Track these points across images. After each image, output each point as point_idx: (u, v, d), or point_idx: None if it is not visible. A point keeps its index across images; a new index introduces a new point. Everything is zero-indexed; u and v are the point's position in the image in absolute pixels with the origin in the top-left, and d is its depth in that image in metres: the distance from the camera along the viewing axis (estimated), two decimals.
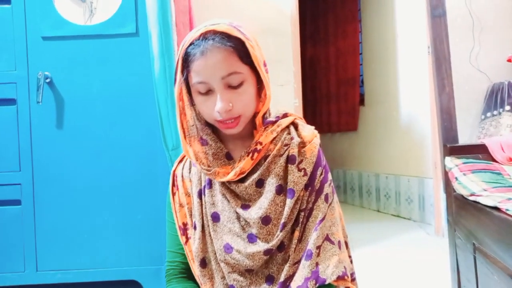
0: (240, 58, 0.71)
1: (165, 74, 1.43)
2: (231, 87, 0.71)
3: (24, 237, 1.52)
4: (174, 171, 0.85)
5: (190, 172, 0.82)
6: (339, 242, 0.77)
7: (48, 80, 1.51)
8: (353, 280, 0.79)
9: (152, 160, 1.51)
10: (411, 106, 2.94)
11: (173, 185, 0.84)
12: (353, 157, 3.71)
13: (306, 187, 0.76)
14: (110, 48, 1.52)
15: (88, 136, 1.52)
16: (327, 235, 0.75)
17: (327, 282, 0.71)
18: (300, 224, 0.75)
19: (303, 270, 0.73)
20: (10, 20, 1.51)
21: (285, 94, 2.31)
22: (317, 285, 0.71)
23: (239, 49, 0.72)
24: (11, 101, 1.52)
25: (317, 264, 0.73)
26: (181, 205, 0.82)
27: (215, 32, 0.71)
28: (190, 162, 0.83)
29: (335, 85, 3.81)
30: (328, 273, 0.72)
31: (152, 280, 1.52)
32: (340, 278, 0.73)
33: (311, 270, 0.72)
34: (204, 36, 0.71)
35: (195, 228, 0.79)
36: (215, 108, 0.71)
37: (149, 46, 1.46)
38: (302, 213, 0.75)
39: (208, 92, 0.72)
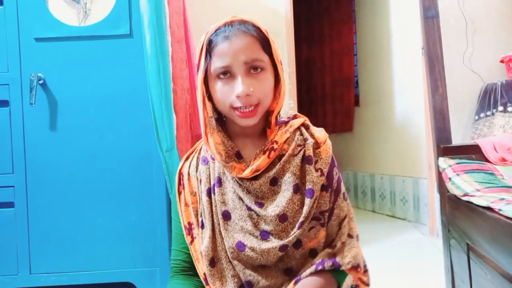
0: (262, 47, 0.74)
1: (159, 75, 1.43)
2: (252, 74, 0.73)
3: (18, 239, 1.50)
4: (181, 169, 0.85)
5: (197, 171, 0.82)
6: (357, 236, 0.82)
7: (41, 82, 1.50)
8: (365, 271, 0.82)
9: (146, 162, 1.51)
10: (406, 106, 2.95)
11: (179, 184, 0.84)
12: (349, 157, 3.72)
13: (325, 188, 0.78)
14: (103, 49, 1.51)
15: (82, 138, 1.51)
16: (348, 231, 0.80)
17: (341, 268, 0.76)
18: (325, 224, 0.78)
19: (323, 253, 0.77)
20: (3, 21, 1.50)
21: None
22: (333, 267, 0.75)
23: (262, 38, 0.74)
24: (3, 103, 1.51)
25: (335, 254, 0.77)
26: (186, 205, 0.82)
27: (240, 21, 0.74)
28: (197, 160, 0.83)
29: (330, 86, 3.82)
30: (345, 261, 0.76)
31: (146, 282, 1.51)
32: (354, 268, 0.77)
33: (329, 256, 0.76)
34: (230, 24, 0.74)
35: (202, 227, 0.79)
36: (235, 92, 0.72)
37: (143, 48, 1.45)
38: (327, 214, 0.78)
39: (229, 77, 0.73)
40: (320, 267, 0.75)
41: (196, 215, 0.81)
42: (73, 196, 1.51)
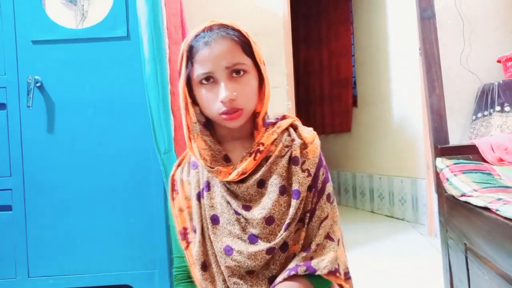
0: (243, 50, 0.73)
1: (156, 77, 1.43)
2: (234, 78, 0.72)
3: (16, 243, 1.50)
4: (173, 175, 0.84)
5: (189, 175, 0.82)
6: (338, 240, 0.79)
7: (38, 84, 1.50)
8: (348, 279, 0.80)
9: (144, 164, 1.51)
10: (404, 107, 2.96)
11: (173, 190, 0.83)
12: (347, 158, 3.72)
13: (309, 188, 0.77)
14: (101, 51, 1.51)
15: (80, 140, 1.51)
16: (328, 233, 0.77)
17: (317, 273, 0.72)
18: (305, 225, 0.76)
19: (297, 258, 0.74)
20: None
21: (278, 96, 2.31)
22: (307, 272, 0.72)
23: (243, 41, 0.74)
24: (1, 106, 1.51)
25: (311, 257, 0.74)
26: (180, 210, 0.82)
27: (219, 25, 0.74)
28: (188, 165, 0.83)
29: (328, 87, 3.82)
30: (321, 266, 0.73)
31: (145, 284, 1.51)
32: (332, 273, 0.73)
33: (304, 260, 0.73)
34: (209, 28, 0.73)
35: (195, 231, 0.79)
36: (219, 97, 0.71)
37: (140, 50, 1.45)
38: (308, 214, 0.76)
39: (212, 83, 0.73)
40: (293, 273, 0.71)
41: (191, 220, 0.80)
42: (71, 199, 1.50)
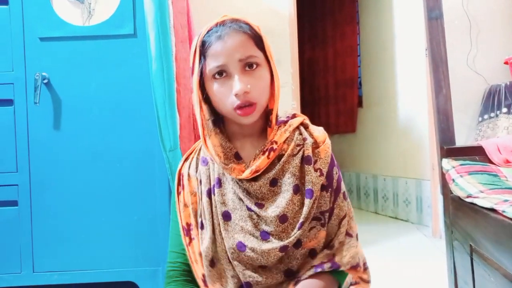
0: (256, 44, 0.74)
1: (163, 75, 1.43)
2: (247, 71, 0.72)
3: (21, 238, 1.51)
4: (180, 169, 0.84)
5: (197, 171, 0.82)
6: (356, 235, 0.81)
7: (45, 81, 1.51)
8: (365, 269, 0.82)
9: (149, 162, 1.51)
10: (409, 107, 2.95)
11: (179, 184, 0.84)
12: (351, 158, 3.71)
13: (324, 188, 0.78)
14: (107, 49, 1.52)
15: (86, 137, 1.51)
16: (346, 230, 0.80)
17: (341, 269, 0.75)
18: (326, 224, 0.78)
19: (321, 255, 0.76)
20: (8, 20, 1.51)
21: (283, 95, 2.29)
22: (332, 268, 0.75)
23: (255, 35, 0.74)
24: (8, 102, 1.52)
25: (334, 254, 0.77)
26: (185, 205, 0.82)
27: (232, 19, 0.75)
28: (196, 161, 0.83)
29: (333, 87, 3.81)
30: (344, 262, 0.76)
31: (149, 281, 1.51)
32: (353, 268, 0.77)
33: (328, 257, 0.76)
34: (221, 23, 0.74)
35: (202, 227, 0.79)
36: (233, 90, 0.71)
37: (147, 47, 1.46)
38: (327, 214, 0.78)
39: (224, 77, 0.73)
40: (319, 269, 0.74)
41: (195, 216, 0.80)
42: (76, 195, 1.51)
